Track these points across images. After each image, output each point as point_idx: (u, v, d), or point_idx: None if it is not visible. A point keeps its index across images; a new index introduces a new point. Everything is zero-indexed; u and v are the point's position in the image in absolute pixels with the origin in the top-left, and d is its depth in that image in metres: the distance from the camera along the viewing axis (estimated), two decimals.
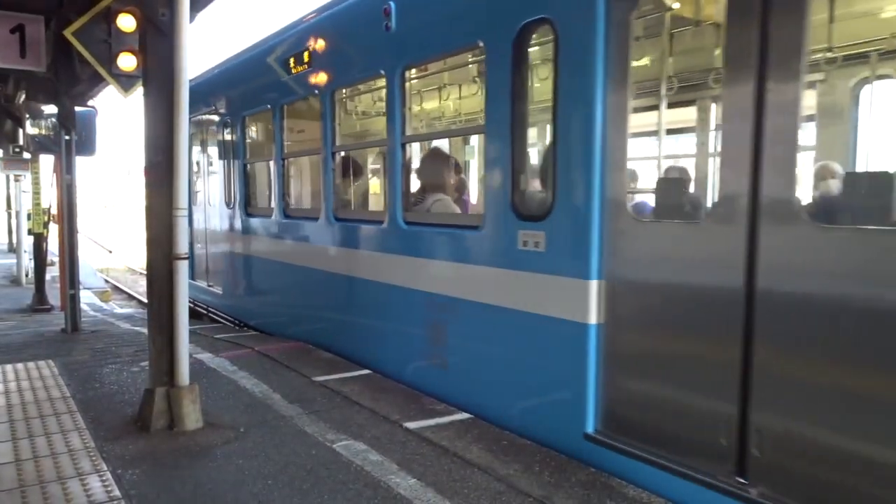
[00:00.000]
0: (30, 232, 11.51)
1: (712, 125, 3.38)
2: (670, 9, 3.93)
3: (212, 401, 4.87)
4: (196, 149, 9.62)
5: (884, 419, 2.61)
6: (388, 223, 5.30)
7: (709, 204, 3.79)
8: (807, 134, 4.50)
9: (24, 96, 9.92)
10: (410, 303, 5.09)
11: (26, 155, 12.18)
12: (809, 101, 4.70)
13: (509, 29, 4.01)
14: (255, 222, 7.89)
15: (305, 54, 6.42)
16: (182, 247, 4.36)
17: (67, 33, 6.29)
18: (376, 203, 6.90)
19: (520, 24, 3.96)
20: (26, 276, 13.74)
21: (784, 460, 2.90)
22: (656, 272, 3.43)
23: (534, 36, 4.03)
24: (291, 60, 6.65)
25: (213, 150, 9.14)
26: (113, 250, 24.00)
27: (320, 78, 6.20)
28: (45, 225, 10.92)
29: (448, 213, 5.25)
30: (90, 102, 10.27)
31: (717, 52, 3.64)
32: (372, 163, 7.49)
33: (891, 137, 4.28)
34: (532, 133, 4.18)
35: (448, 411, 4.59)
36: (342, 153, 6.38)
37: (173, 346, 4.39)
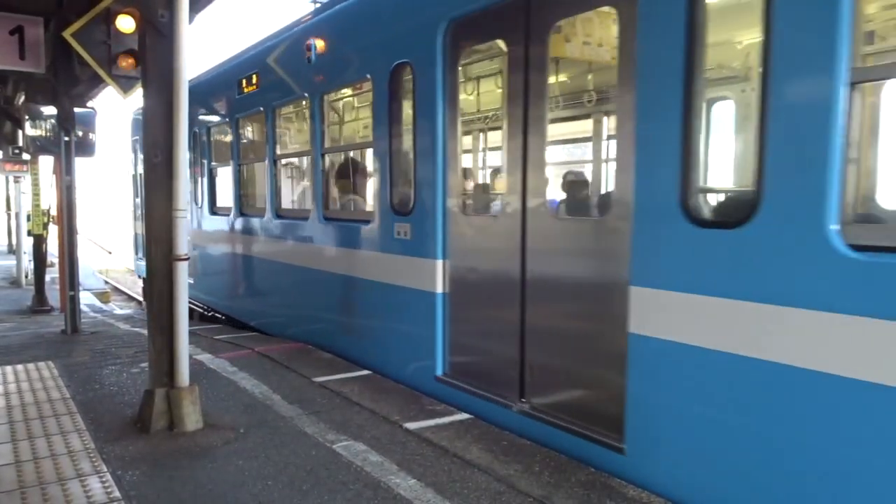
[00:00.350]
0: (29, 233, 11.52)
1: (504, 147, 4.38)
2: (479, 61, 5.37)
3: (212, 402, 4.87)
4: None
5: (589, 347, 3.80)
6: (313, 219, 6.52)
7: (499, 204, 4.83)
8: (563, 153, 6.16)
9: (23, 97, 9.94)
10: (331, 283, 6.26)
11: (26, 156, 12.20)
12: (567, 129, 6.43)
13: (386, 68, 5.26)
14: (218, 219, 9.06)
15: (254, 76, 7.59)
16: (182, 248, 4.36)
17: (67, 34, 6.31)
18: (306, 203, 7.89)
19: (392, 64, 5.21)
20: (26, 277, 13.74)
21: (542, 382, 4.18)
22: (473, 253, 4.66)
23: (402, 74, 5.18)
24: (244, 81, 7.82)
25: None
26: (112, 251, 23.99)
27: (264, 97, 7.34)
28: (45, 226, 10.92)
29: (351, 210, 6.61)
30: (89, 103, 10.29)
31: (502, 93, 4.74)
32: (305, 168, 8.46)
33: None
34: (403, 147, 5.30)
35: (448, 412, 4.60)
36: (282, 161, 7.61)
37: (173, 347, 4.39)
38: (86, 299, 12.17)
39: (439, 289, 4.80)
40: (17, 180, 14.28)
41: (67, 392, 5.23)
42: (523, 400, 4.26)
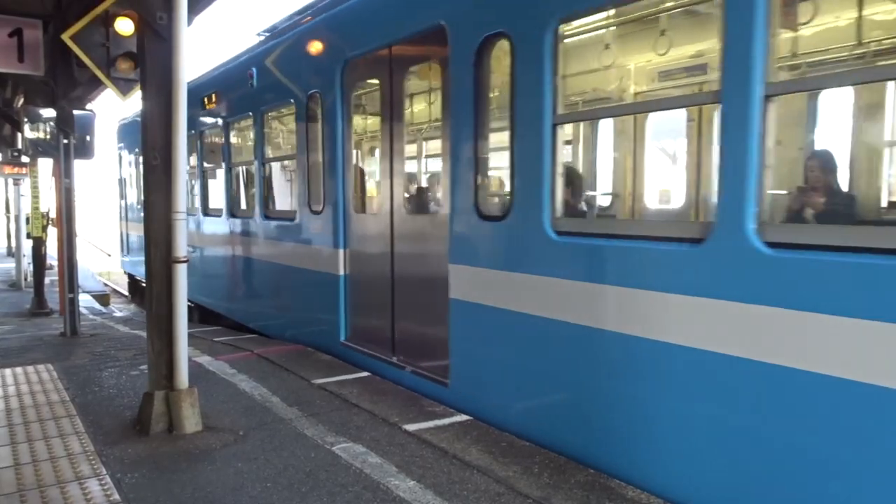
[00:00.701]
0: (29, 236, 11.51)
1: (379, 160, 5.91)
2: (365, 92, 6.64)
3: (211, 404, 4.87)
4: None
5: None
6: (256, 217, 7.91)
7: (377, 205, 6.02)
8: (415, 165, 7.43)
9: (22, 100, 9.94)
10: (268, 271, 7.70)
11: (25, 159, 12.18)
12: (415, 148, 7.80)
13: (304, 94, 6.54)
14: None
15: (213, 95, 8.89)
16: (181, 250, 4.35)
17: (66, 37, 6.30)
18: (252, 204, 8.95)
19: (308, 92, 6.47)
20: (25, 279, 13.72)
21: (404, 341, 5.47)
22: (363, 243, 5.93)
23: (314, 100, 6.40)
24: (206, 99, 9.03)
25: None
26: (112, 254, 23.95)
27: (221, 113, 8.70)
28: (44, 229, 10.91)
29: (283, 210, 7.85)
30: (88, 106, 10.29)
31: (374, 121, 6.71)
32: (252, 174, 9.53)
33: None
34: (316, 158, 6.45)
35: (447, 413, 4.60)
36: (235, 168, 8.96)
37: (172, 350, 4.39)
38: (85, 302, 12.16)
39: (341, 272, 6.11)
40: (16, 183, 14.26)
41: (67, 394, 5.23)
42: (394, 356, 5.53)
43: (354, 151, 6.22)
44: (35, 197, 11.24)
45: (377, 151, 6.35)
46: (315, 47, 6.37)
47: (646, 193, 6.27)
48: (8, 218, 17.69)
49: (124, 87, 6.66)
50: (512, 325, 4.18)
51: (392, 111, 5.51)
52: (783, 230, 2.89)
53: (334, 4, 6.20)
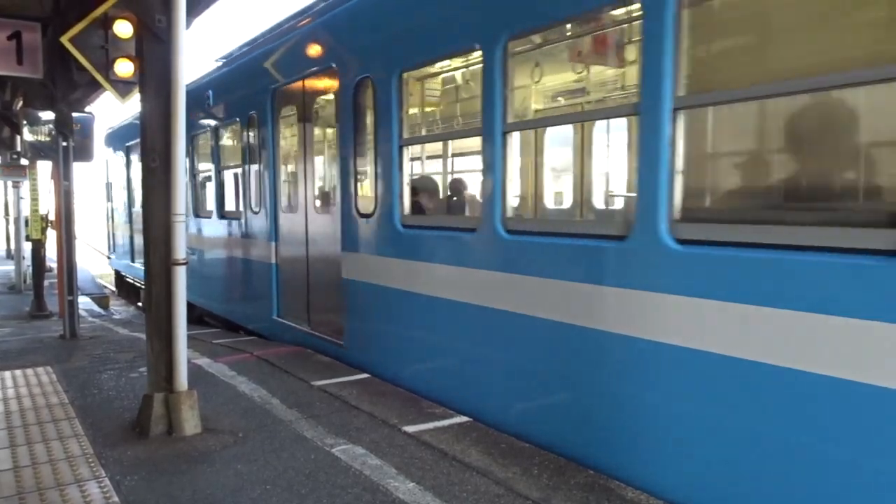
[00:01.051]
0: (28, 238, 11.50)
1: (300, 170, 7.18)
2: (288, 116, 7.50)
3: (210, 406, 4.87)
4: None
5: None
6: (214, 217, 9.26)
7: (297, 205, 7.24)
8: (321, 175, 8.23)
9: (21, 103, 9.93)
10: (223, 262, 9.14)
11: (24, 161, 12.18)
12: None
13: (245, 115, 7.91)
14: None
15: None
16: (180, 252, 4.35)
17: (64, 40, 6.31)
18: (212, 206, 10.16)
19: (248, 113, 7.84)
20: (25, 282, 13.72)
21: (316, 312, 6.79)
22: (288, 236, 7.29)
23: (253, 119, 7.76)
24: None
25: (136, 167, 13.34)
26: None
27: (188, 126, 8.96)
28: (44, 231, 10.91)
29: (233, 210, 8.86)
30: (88, 108, 10.29)
31: (294, 139, 7.52)
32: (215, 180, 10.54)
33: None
34: (257, 168, 7.81)
35: (447, 415, 4.60)
36: (199, 176, 10.18)
37: (171, 352, 4.39)
38: (84, 304, 12.16)
39: (273, 260, 7.51)
40: (15, 185, 14.25)
41: (66, 397, 5.23)
42: (309, 326, 6.88)
43: (282, 162, 7.51)
44: (34, 199, 11.23)
45: (297, 162, 7.37)
46: (253, 76, 7.72)
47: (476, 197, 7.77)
48: (7, 220, 17.66)
49: (123, 90, 6.67)
50: (380, 297, 5.50)
51: (306, 131, 7.00)
52: (690, 229, 3.18)
53: (266, 42, 7.73)
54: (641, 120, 3.33)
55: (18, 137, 11.30)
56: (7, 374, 5.98)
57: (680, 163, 3.20)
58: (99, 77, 6.48)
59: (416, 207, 5.67)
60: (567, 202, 7.25)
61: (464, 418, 4.52)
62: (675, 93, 3.16)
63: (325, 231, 6.50)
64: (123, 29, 6.14)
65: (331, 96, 6.57)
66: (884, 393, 2.48)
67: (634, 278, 3.39)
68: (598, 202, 6.78)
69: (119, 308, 14.39)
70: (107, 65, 6.38)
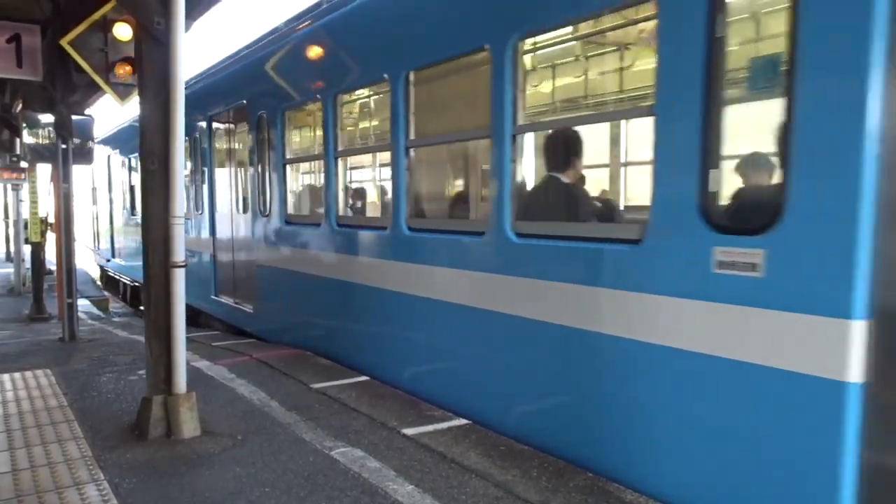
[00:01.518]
0: (27, 241, 11.50)
1: (227, 179, 9.00)
2: (223, 135, 9.31)
3: (209, 408, 4.86)
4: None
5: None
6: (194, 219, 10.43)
7: (225, 207, 8.97)
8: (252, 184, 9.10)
9: (21, 105, 9.93)
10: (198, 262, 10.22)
11: (23, 164, 12.19)
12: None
13: (192, 134, 9.24)
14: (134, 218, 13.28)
15: None
16: (179, 254, 4.35)
17: (64, 42, 6.32)
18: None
19: (193, 135, 9.15)
20: (24, 284, 13.71)
21: (240, 290, 8.61)
22: (222, 232, 9.11)
23: (197, 139, 9.56)
24: None
25: (116, 174, 15.54)
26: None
27: None
28: (43, 234, 10.91)
29: (191, 212, 9.92)
30: (87, 111, 10.29)
31: (224, 155, 9.35)
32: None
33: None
34: (199, 177, 9.69)
35: (446, 417, 4.59)
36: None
37: (171, 354, 4.39)
38: (84, 307, 12.16)
39: (212, 251, 9.28)
40: (14, 188, 14.26)
41: (65, 399, 5.22)
42: (234, 300, 8.67)
43: (217, 173, 9.25)
44: (34, 202, 11.24)
45: (226, 173, 9.18)
46: (200, 102, 9.06)
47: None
48: (7, 223, 17.64)
49: (122, 92, 6.68)
50: (274, 276, 7.41)
51: (231, 150, 9.09)
52: (524, 226, 4.12)
53: (208, 77, 9.45)
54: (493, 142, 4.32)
55: (18, 140, 11.30)
56: (6, 376, 5.97)
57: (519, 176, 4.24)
58: (98, 80, 6.49)
59: (298, 209, 7.49)
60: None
61: (463, 421, 4.51)
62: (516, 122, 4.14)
63: (246, 227, 8.18)
64: (123, 32, 6.15)
65: (245, 125, 8.26)
66: (633, 344, 3.44)
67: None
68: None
69: (119, 310, 14.39)
70: (106, 67, 6.39)
